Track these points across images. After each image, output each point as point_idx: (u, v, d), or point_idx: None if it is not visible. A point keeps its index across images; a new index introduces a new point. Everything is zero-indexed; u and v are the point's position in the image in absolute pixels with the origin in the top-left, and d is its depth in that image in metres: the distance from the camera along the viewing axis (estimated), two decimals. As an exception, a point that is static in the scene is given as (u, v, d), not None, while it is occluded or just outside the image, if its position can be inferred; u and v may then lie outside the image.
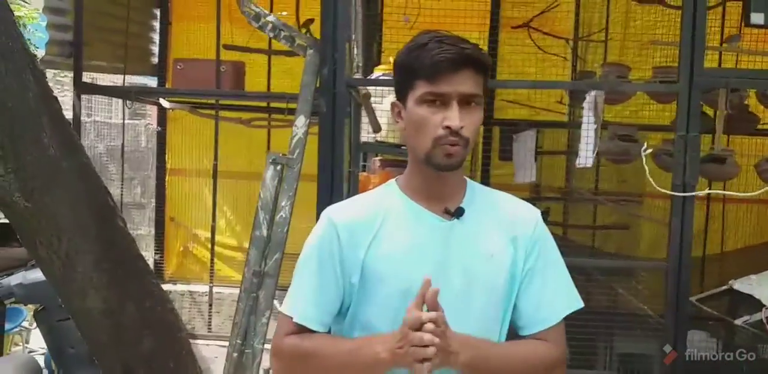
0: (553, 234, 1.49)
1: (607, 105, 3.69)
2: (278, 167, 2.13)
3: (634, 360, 3.02)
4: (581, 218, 4.17)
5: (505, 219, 1.40)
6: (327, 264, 1.34)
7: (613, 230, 4.21)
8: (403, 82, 1.33)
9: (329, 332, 1.40)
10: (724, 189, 3.34)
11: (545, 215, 4.44)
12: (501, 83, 3.66)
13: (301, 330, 1.34)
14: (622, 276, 3.38)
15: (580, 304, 1.42)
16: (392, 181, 1.43)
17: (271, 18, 2.26)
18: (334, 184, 2.17)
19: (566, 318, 1.40)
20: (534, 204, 4.75)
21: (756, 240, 4.45)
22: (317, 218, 1.42)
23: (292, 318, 1.34)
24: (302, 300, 1.35)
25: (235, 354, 2.14)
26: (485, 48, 4.46)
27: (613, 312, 3.33)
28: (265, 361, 2.18)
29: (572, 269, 1.46)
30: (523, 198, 1.51)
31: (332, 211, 1.38)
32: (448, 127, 1.26)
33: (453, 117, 1.26)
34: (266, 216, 2.13)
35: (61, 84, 5.74)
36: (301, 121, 2.17)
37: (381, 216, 1.34)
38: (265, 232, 2.14)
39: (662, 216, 2.96)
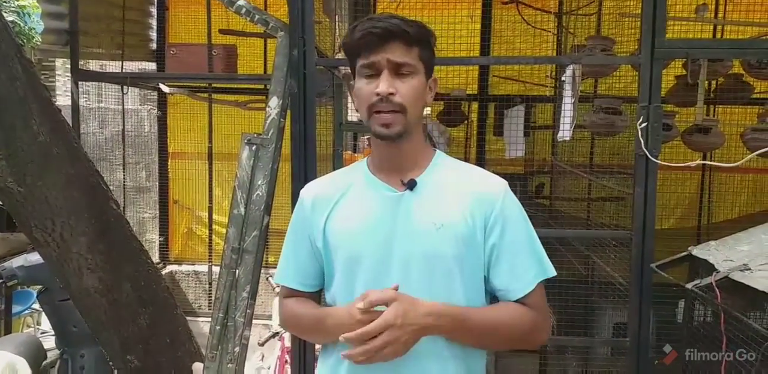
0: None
1: (594, 78, 3.71)
2: (253, 147, 2.20)
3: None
4: (574, 191, 4.19)
5: (466, 192, 1.41)
6: (299, 231, 1.50)
7: (608, 202, 4.22)
8: (350, 63, 1.42)
9: (318, 293, 1.54)
10: (712, 160, 3.35)
11: (540, 189, 4.50)
12: (471, 59, 3.65)
13: (292, 292, 1.52)
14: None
15: (552, 273, 1.43)
16: (366, 157, 1.53)
17: (241, 2, 2.30)
18: (307, 164, 2.23)
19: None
20: (528, 179, 4.72)
21: (753, 208, 4.46)
22: (293, 197, 1.55)
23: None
24: (282, 265, 1.52)
25: (218, 327, 2.22)
26: (477, 25, 4.47)
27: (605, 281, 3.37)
28: (246, 332, 2.27)
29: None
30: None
31: (305, 187, 1.54)
32: (378, 94, 1.33)
33: (381, 83, 1.33)
34: (243, 195, 2.20)
35: (50, 69, 5.83)
36: (274, 102, 2.22)
37: (342, 188, 1.46)
38: (242, 210, 2.21)
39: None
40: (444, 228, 1.38)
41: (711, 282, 1.76)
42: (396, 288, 1.30)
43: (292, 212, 1.56)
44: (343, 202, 1.44)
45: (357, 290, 1.37)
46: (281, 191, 2.61)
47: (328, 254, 1.44)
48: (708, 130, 3.18)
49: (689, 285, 1.93)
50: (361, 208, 1.42)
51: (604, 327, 3.53)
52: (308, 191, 1.51)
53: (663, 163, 2.27)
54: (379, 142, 1.41)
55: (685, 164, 2.09)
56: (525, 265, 1.40)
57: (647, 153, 2.09)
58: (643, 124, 2.13)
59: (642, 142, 2.10)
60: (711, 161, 3.42)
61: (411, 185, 1.41)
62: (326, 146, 2.96)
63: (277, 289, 3.02)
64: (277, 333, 3.29)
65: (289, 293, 1.53)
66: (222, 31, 4.49)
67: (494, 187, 1.43)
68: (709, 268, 1.89)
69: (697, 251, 2.03)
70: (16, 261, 3.09)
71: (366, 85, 1.35)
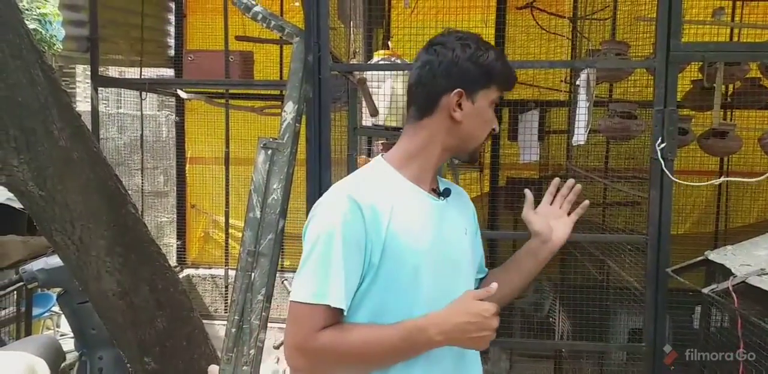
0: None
1: (609, 82, 3.70)
2: (269, 151, 2.22)
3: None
4: (589, 195, 4.18)
5: (460, 200, 1.55)
6: (353, 246, 1.29)
7: (624, 207, 4.20)
8: (481, 78, 1.40)
9: None
10: (729, 165, 3.33)
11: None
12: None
13: (334, 318, 1.29)
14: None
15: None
16: (380, 160, 1.44)
17: (258, 8, 2.33)
18: (322, 168, 2.25)
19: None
20: (543, 183, 4.75)
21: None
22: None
23: (327, 306, 1.27)
24: (334, 285, 1.28)
25: (234, 330, 2.24)
26: (492, 30, 4.49)
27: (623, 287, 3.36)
28: (261, 335, 2.29)
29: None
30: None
31: (351, 192, 1.33)
32: (492, 130, 1.46)
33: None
34: (259, 198, 2.22)
35: (70, 76, 5.92)
36: (290, 107, 2.24)
37: (392, 197, 1.36)
38: (258, 214, 2.23)
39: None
40: (468, 233, 1.51)
41: (728, 287, 1.75)
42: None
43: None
44: (398, 212, 1.34)
45: (421, 299, 1.34)
46: (296, 195, 2.64)
47: (383, 268, 1.32)
48: (725, 134, 3.17)
49: (706, 290, 1.92)
50: (414, 217, 1.38)
51: (619, 333, 3.51)
52: (362, 199, 1.31)
53: (679, 181, 2.26)
54: (445, 159, 1.48)
55: (704, 184, 2.09)
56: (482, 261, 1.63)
57: (659, 194, 2.09)
58: (662, 145, 2.16)
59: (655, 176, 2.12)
60: (728, 165, 3.39)
61: (447, 194, 1.49)
62: (341, 151, 2.98)
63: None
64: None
65: (328, 321, 1.29)
66: (239, 38, 4.54)
67: (466, 195, 1.61)
68: (726, 273, 1.88)
69: (714, 255, 2.02)
70: (36, 264, 3.13)
71: (491, 116, 1.45)
